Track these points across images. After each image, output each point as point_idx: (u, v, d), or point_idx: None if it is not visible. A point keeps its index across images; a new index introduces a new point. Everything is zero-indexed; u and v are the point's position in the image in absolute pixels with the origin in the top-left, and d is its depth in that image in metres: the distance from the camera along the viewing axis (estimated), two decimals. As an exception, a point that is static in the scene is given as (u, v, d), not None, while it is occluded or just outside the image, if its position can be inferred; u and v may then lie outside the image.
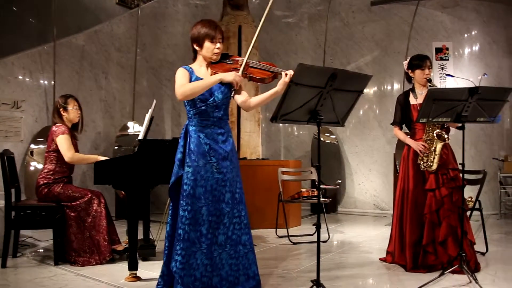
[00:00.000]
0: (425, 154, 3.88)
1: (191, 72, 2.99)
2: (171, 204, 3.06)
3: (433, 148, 3.85)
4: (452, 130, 4.03)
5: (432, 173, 3.87)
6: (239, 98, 3.07)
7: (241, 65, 2.99)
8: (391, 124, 4.26)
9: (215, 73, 2.99)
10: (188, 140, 2.98)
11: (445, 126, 3.86)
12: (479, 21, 7.59)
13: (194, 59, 3.10)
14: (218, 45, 2.99)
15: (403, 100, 4.12)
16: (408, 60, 4.22)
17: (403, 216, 3.99)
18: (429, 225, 3.83)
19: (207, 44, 2.97)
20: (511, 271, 3.84)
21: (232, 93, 2.98)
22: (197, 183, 2.90)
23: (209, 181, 2.93)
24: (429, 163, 3.86)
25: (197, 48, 3.03)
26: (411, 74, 4.13)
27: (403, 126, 4.23)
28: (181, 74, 2.97)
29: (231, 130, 3.13)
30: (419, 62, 4.05)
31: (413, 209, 3.92)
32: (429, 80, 3.99)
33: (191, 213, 2.87)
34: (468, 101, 3.35)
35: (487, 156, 7.40)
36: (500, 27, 7.59)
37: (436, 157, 3.83)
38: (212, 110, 2.98)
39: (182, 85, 2.90)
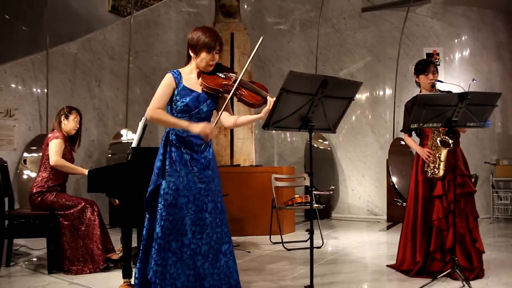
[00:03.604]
0: (431, 161, 3.89)
1: (178, 80, 2.88)
2: (147, 216, 2.94)
3: (438, 154, 3.84)
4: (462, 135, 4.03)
5: (440, 179, 3.86)
6: (224, 116, 2.94)
7: (233, 81, 2.86)
8: (401, 131, 4.25)
9: (205, 84, 2.87)
10: (168, 149, 2.89)
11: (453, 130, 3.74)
12: (468, 27, 7.68)
13: (187, 63, 2.99)
14: (214, 57, 2.88)
15: (410, 107, 4.11)
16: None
17: (413, 223, 3.98)
18: (437, 231, 3.82)
19: (203, 54, 2.85)
20: (504, 275, 3.86)
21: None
22: (179, 192, 2.83)
23: (191, 191, 2.87)
24: (435, 170, 3.86)
25: (192, 54, 2.90)
26: (416, 79, 4.13)
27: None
28: (164, 86, 2.86)
29: (212, 140, 3.02)
30: (422, 67, 4.05)
31: (423, 216, 3.91)
32: (433, 85, 3.99)
33: (173, 223, 2.80)
34: (458, 106, 3.38)
35: (479, 160, 7.45)
36: (490, 32, 7.69)
37: (442, 164, 3.81)
38: (195, 121, 2.87)
39: (158, 109, 2.82)
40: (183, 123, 2.81)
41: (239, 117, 2.94)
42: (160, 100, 2.85)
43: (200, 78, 2.91)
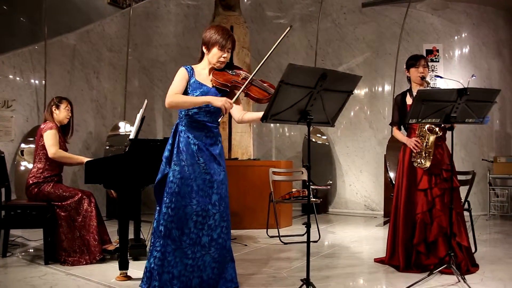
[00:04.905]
0: (418, 151, 3.91)
1: (191, 74, 3.00)
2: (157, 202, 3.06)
3: (425, 142, 3.87)
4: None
5: (426, 174, 3.89)
6: (235, 110, 3.05)
7: (242, 79, 2.99)
8: (390, 124, 4.30)
9: (215, 79, 2.98)
10: (177, 139, 3.00)
11: (442, 125, 3.83)
12: (469, 24, 7.67)
13: (200, 60, 3.11)
14: (225, 54, 2.99)
15: (400, 100, 4.16)
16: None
17: (397, 216, 4.02)
18: (421, 225, 3.85)
19: (214, 50, 2.98)
20: (499, 271, 3.87)
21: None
22: (183, 181, 2.91)
23: (196, 181, 2.94)
24: (421, 160, 3.89)
25: (205, 50, 3.04)
26: (407, 74, 4.16)
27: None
28: (179, 78, 2.98)
29: (220, 135, 3.14)
30: (413, 61, 4.09)
31: (406, 209, 3.95)
32: (423, 78, 4.01)
33: (174, 211, 2.88)
34: (457, 102, 3.38)
35: (477, 157, 7.47)
36: (490, 29, 7.68)
37: (430, 152, 3.86)
38: (203, 114, 3.00)
39: (175, 94, 2.91)
40: (204, 98, 2.91)
41: (246, 113, 3.05)
42: (177, 89, 2.95)
43: (211, 74, 3.02)
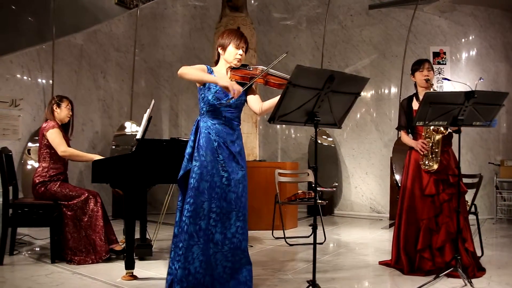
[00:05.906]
0: (425, 153, 3.91)
1: (210, 72, 3.08)
2: (179, 199, 3.05)
3: (431, 143, 3.87)
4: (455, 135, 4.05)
5: (432, 179, 3.88)
6: (251, 101, 3.12)
7: (260, 72, 3.05)
8: (397, 128, 4.29)
9: (235, 75, 3.05)
10: (198, 136, 3.02)
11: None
12: (476, 26, 7.64)
13: (216, 63, 3.20)
14: (240, 51, 3.09)
15: (406, 105, 4.15)
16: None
17: (401, 221, 4.02)
18: (426, 230, 3.84)
19: (230, 48, 3.09)
20: (506, 275, 3.85)
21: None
22: (202, 177, 2.91)
23: (214, 177, 2.95)
24: (429, 162, 3.88)
25: (220, 51, 3.14)
26: (413, 79, 4.17)
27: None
28: (198, 66, 3.08)
29: (241, 135, 3.15)
30: (417, 66, 4.11)
31: (410, 214, 3.94)
32: (427, 80, 4.00)
33: (193, 206, 2.88)
34: (464, 105, 3.37)
35: (483, 160, 7.43)
36: (497, 32, 7.64)
37: (436, 153, 3.85)
38: (224, 109, 3.03)
39: (190, 67, 2.99)
40: (211, 77, 2.97)
41: (264, 103, 3.10)
42: (197, 68, 3.04)
43: (229, 72, 3.10)
